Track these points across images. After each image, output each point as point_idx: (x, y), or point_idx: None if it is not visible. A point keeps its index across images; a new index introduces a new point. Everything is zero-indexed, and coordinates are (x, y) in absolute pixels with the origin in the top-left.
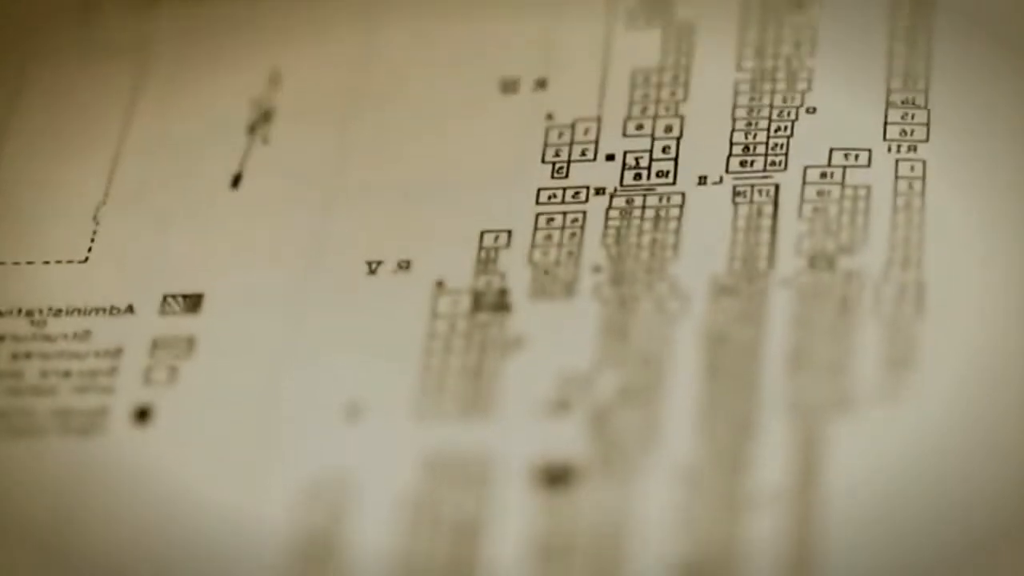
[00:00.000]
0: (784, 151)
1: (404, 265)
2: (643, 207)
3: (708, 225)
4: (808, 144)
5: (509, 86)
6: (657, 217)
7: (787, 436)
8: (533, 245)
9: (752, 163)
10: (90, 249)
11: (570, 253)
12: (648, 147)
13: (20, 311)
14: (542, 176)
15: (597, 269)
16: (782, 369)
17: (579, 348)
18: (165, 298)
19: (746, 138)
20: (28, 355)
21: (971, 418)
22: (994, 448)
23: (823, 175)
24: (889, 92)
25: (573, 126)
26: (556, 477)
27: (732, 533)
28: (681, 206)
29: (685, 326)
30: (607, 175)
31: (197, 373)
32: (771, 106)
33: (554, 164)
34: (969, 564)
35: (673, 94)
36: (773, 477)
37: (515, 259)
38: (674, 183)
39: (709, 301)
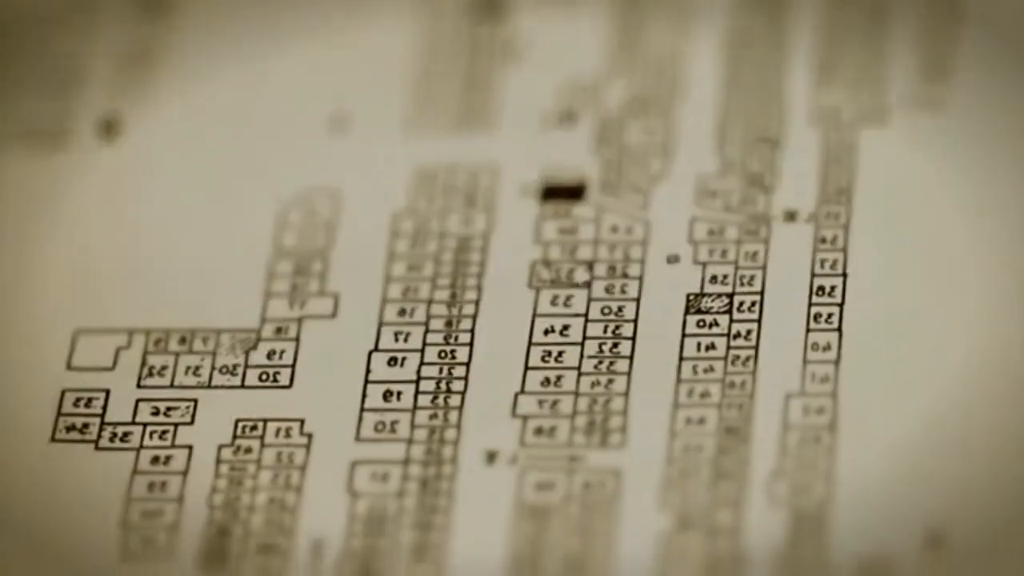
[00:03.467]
0: None
1: None
2: None
3: None
4: None
5: None
6: None
7: (814, 149)
8: None
9: None
10: None
11: None
12: None
13: None
14: None
15: None
16: (808, 77)
17: (587, 53)
18: None
19: None
20: None
21: (1005, 126)
22: None
23: None
24: None
25: None
26: (562, 193)
27: (754, 251)
28: None
29: (702, 29)
30: None
31: (168, 82)
32: None
33: None
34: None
35: None
36: (798, 194)
37: None
38: None
39: (729, 2)
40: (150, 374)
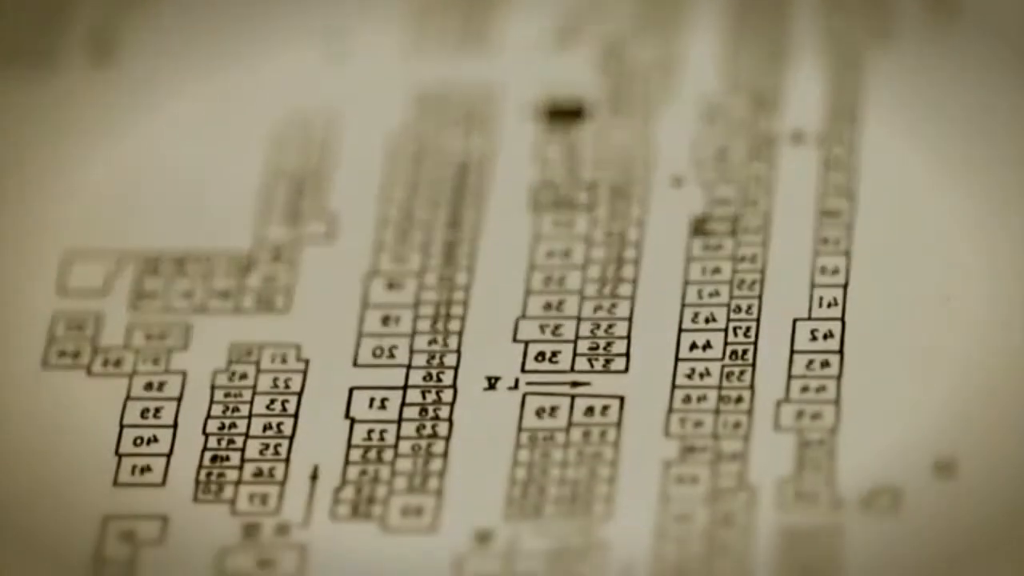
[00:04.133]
0: None
1: None
2: None
3: None
4: None
5: None
6: None
7: (821, 70)
8: None
9: None
10: None
11: None
12: None
13: None
14: None
15: None
16: None
17: None
18: None
19: None
20: None
21: (1011, 45)
22: None
23: None
24: None
25: None
26: (565, 114)
27: (758, 174)
28: None
29: None
30: None
31: (161, 2)
32: None
33: None
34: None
35: None
36: (805, 115)
37: None
38: None
39: None
40: (143, 297)
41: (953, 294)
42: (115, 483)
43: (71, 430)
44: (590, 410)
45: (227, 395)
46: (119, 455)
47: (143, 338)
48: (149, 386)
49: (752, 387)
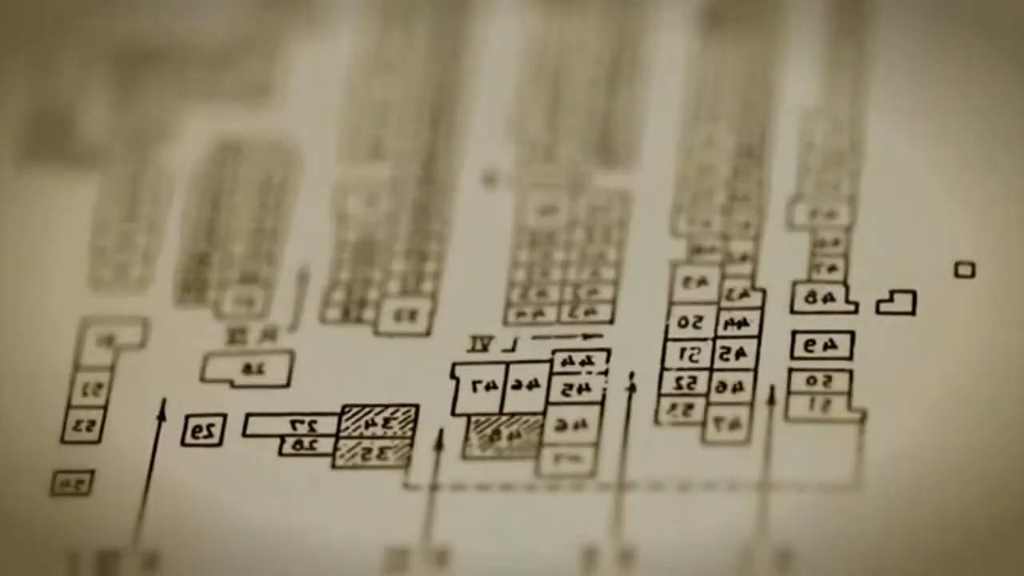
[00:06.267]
0: None
1: None
2: None
3: None
4: None
5: None
6: None
7: None
8: None
9: None
10: None
11: None
12: None
13: None
14: None
15: None
16: None
17: None
18: None
19: None
20: None
21: None
22: None
23: None
24: None
25: None
26: None
27: None
28: None
29: None
30: None
31: None
32: None
33: None
34: None
35: None
36: None
37: None
38: None
39: None
40: (120, 89)
41: (976, 89)
42: (93, 285)
43: (46, 230)
44: (593, 208)
45: (210, 192)
46: (96, 255)
47: (120, 132)
48: (127, 183)
49: (764, 184)
